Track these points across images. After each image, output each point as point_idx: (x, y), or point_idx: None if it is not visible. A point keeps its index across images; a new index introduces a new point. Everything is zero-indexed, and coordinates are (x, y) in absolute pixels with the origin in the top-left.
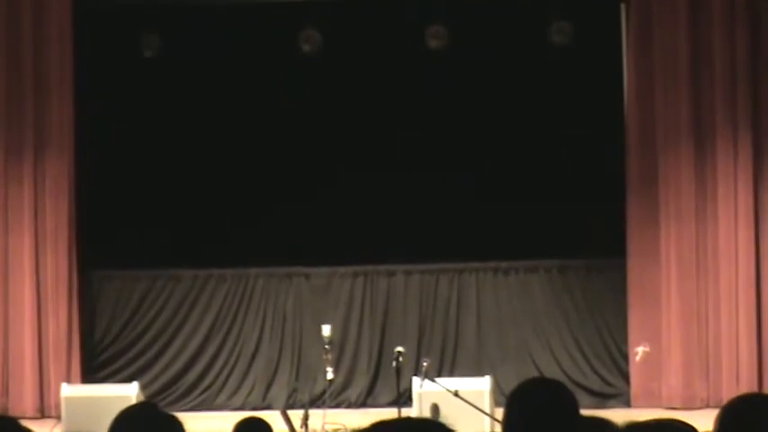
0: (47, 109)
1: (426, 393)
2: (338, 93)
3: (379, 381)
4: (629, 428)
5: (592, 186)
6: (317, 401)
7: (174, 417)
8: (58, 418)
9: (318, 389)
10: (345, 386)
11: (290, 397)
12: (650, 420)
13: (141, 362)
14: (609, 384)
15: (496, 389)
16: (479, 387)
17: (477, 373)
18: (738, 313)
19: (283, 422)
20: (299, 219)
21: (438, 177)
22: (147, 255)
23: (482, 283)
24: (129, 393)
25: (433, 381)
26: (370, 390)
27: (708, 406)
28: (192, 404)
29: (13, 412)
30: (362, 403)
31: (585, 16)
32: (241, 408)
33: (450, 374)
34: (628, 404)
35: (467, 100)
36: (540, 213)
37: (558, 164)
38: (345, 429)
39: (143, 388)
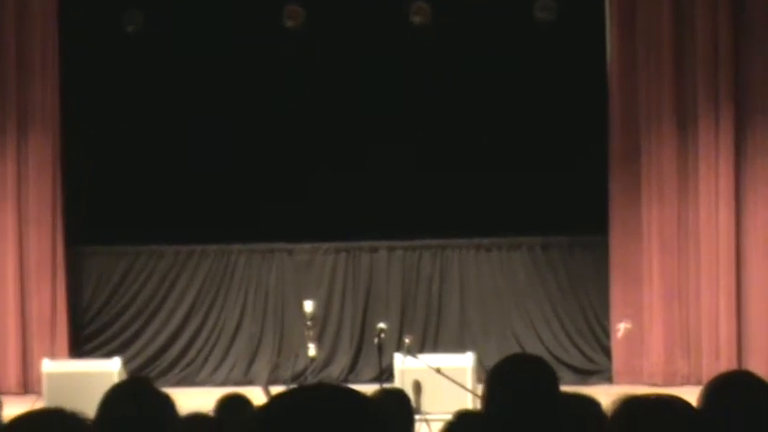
0: (30, 85)
1: (408, 370)
2: (322, 68)
3: (361, 357)
4: (627, 402)
5: (575, 164)
6: (298, 378)
7: (166, 395)
8: (41, 393)
9: (300, 365)
10: (327, 362)
11: (271, 373)
12: (650, 394)
13: (123, 337)
14: (591, 361)
15: (479, 365)
16: (462, 364)
17: (460, 349)
18: (719, 291)
19: (265, 398)
20: (281, 194)
21: (421, 153)
22: (129, 230)
23: (465, 260)
24: (111, 369)
25: (416, 357)
26: (353, 366)
27: (689, 383)
28: (174, 380)
29: None
30: (344, 380)
31: None
32: (223, 384)
33: (433, 351)
34: (610, 381)
35: (450, 75)
36: (524, 190)
37: (542, 141)
38: None
39: (125, 364)
